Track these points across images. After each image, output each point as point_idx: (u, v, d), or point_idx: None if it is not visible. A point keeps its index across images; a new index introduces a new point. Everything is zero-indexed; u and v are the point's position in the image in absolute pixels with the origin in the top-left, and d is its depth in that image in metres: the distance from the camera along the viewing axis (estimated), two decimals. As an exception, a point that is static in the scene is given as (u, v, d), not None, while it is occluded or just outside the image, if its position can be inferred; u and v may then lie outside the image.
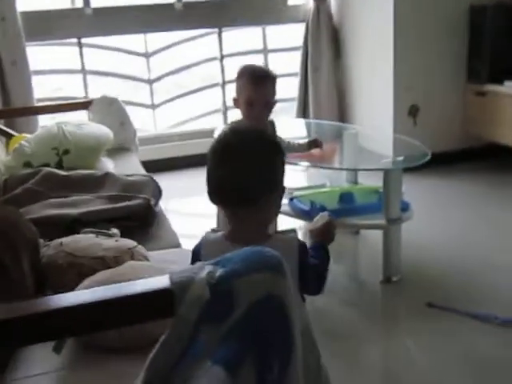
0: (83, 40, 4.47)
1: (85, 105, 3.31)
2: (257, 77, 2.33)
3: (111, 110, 3.29)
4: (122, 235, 2.10)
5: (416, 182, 4.06)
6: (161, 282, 1.07)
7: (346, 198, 2.95)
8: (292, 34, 4.97)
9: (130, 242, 1.77)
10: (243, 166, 1.35)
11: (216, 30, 4.76)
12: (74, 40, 4.46)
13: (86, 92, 4.52)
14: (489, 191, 4.00)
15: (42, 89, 4.55)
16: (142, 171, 3.03)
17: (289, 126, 4.08)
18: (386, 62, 4.23)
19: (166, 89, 4.90)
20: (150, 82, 4.78)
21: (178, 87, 4.93)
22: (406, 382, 2.21)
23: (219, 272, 1.08)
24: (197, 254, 1.54)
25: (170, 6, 4.53)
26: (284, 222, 3.44)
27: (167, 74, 4.83)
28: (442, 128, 4.40)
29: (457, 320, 2.51)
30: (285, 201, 3.01)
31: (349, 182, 3.38)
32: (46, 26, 4.25)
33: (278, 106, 5.02)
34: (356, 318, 2.64)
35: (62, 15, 4.33)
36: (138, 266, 1.57)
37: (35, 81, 4.25)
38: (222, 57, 4.83)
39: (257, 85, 2.31)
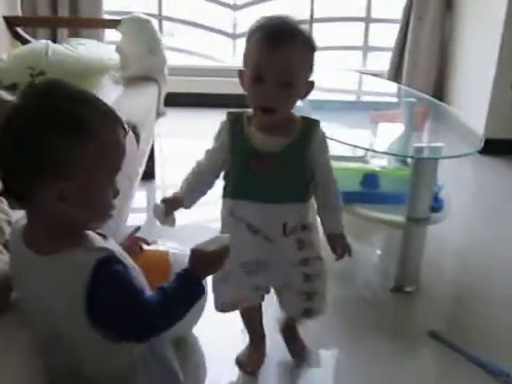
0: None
1: (114, 23, 2.94)
2: (275, 35, 1.38)
3: (141, 33, 2.88)
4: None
5: (486, 170, 3.39)
6: None
7: (369, 180, 2.40)
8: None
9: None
10: (8, 140, 0.98)
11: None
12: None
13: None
14: None
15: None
16: (153, 110, 2.69)
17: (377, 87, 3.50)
18: (495, 22, 3.47)
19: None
20: (234, 37, 4.36)
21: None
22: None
23: None
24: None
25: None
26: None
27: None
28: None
29: (460, 361, 1.95)
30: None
31: (398, 160, 2.81)
32: None
33: (372, 55, 4.47)
34: (350, 323, 2.17)
35: None
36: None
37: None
38: (312, 15, 4.26)
39: (272, 48, 1.37)
